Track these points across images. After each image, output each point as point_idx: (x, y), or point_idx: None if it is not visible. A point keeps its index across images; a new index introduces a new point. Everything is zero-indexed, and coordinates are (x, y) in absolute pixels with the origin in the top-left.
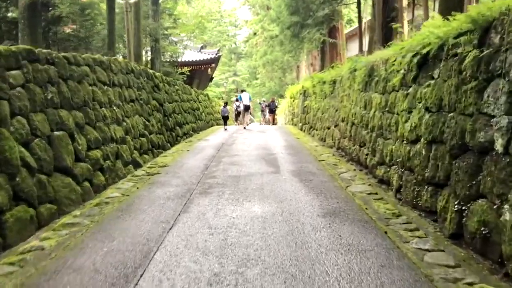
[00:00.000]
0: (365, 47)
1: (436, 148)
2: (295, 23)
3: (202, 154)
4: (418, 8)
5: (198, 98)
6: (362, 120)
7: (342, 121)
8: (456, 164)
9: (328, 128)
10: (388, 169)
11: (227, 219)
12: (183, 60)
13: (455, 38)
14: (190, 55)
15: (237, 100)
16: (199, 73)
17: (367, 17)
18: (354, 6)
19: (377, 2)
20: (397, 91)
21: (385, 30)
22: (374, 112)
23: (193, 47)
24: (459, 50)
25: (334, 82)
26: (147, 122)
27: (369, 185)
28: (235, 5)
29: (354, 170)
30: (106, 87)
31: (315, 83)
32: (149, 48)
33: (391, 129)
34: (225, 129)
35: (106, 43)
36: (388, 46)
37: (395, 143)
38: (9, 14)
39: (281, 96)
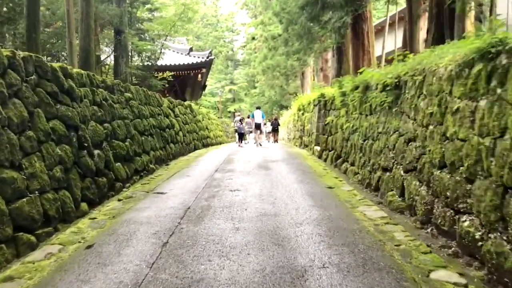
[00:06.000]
0: (394, 45)
1: None
2: (314, 0)
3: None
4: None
5: (173, 111)
6: None
7: (440, 168)
8: None
9: (386, 169)
10: None
11: None
12: (166, 64)
13: None
14: (176, 58)
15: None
16: (192, 80)
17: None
18: None
19: None
20: None
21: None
22: None
23: (180, 49)
24: None
25: (398, 86)
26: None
27: None
28: (232, 9)
29: None
30: None
31: (347, 90)
32: (112, 45)
33: None
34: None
35: (24, 29)
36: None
37: None
38: None
39: (282, 107)
